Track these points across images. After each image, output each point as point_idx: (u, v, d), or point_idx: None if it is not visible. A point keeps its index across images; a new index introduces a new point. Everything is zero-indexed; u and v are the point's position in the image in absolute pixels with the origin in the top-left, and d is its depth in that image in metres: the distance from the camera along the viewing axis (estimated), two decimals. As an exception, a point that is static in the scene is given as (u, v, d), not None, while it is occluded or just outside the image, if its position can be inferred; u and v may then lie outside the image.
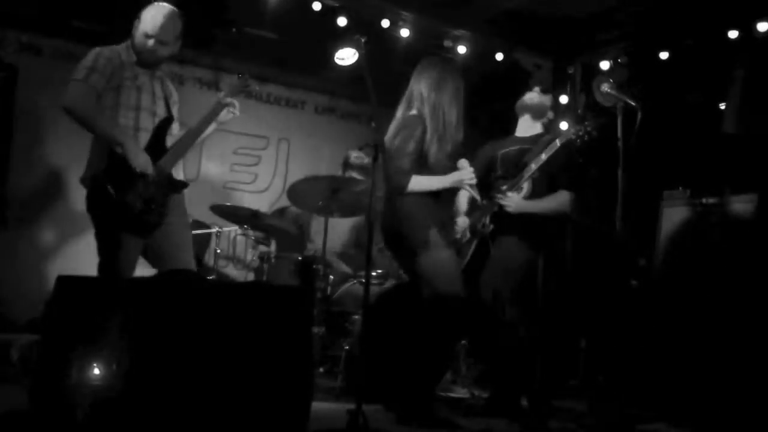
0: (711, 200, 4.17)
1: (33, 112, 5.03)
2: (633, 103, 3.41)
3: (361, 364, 3.59)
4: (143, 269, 3.32)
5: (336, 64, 3.81)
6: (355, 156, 5.11)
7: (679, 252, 4.25)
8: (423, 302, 3.33)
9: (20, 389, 2.77)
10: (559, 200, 3.80)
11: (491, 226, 3.76)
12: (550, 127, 4.15)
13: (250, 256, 5.72)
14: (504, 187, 3.75)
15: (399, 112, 3.53)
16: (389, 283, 4.41)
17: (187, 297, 2.38)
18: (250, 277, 5.64)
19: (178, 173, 3.35)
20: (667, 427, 3.60)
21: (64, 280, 2.30)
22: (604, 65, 5.42)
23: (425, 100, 3.43)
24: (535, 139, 3.89)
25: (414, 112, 3.44)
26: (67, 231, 5.17)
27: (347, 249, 5.27)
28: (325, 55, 4.13)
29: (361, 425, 2.72)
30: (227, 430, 2.27)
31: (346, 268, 4.95)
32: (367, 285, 2.94)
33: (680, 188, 4.37)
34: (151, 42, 3.24)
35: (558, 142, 3.66)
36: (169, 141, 3.34)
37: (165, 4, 3.31)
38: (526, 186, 3.76)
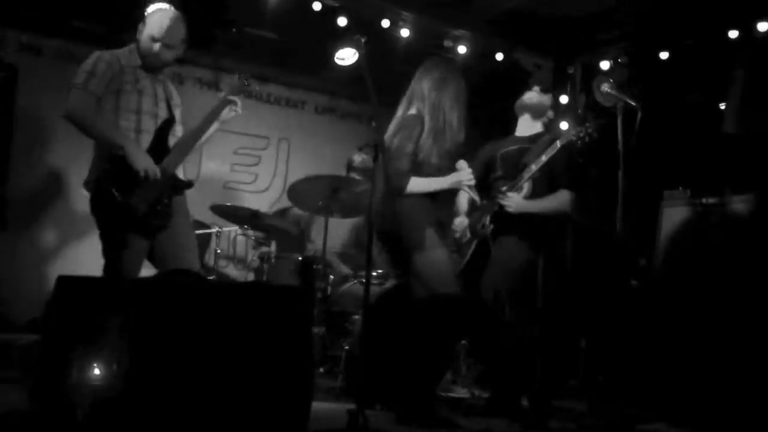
0: (711, 200, 4.17)
1: (33, 112, 5.03)
2: (633, 103, 3.41)
3: (361, 364, 3.59)
4: (146, 270, 3.32)
5: (336, 64, 3.81)
6: (359, 159, 5.11)
7: (680, 252, 4.24)
8: (414, 303, 3.34)
9: (20, 389, 2.77)
10: (559, 200, 3.80)
11: (491, 226, 3.76)
12: (551, 126, 4.15)
13: (251, 256, 5.72)
14: (504, 188, 3.75)
15: (399, 111, 3.53)
16: (389, 283, 4.41)
17: (188, 297, 2.38)
18: (251, 277, 5.65)
19: (181, 173, 3.36)
20: (667, 427, 3.60)
21: (64, 280, 2.30)
22: (604, 65, 5.42)
23: (426, 99, 3.43)
24: (534, 139, 3.89)
25: (414, 111, 3.44)
26: (67, 231, 5.17)
27: (347, 249, 5.28)
28: (325, 55, 4.13)
29: (361, 425, 2.72)
30: (227, 431, 2.27)
31: (346, 269, 4.96)
32: (367, 285, 2.94)
33: (680, 188, 4.37)
34: (157, 45, 3.24)
35: (558, 144, 3.65)
36: (172, 142, 3.34)
37: (169, 7, 3.32)
38: (526, 186, 3.76)
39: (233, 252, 5.83)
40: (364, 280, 3.13)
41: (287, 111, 6.32)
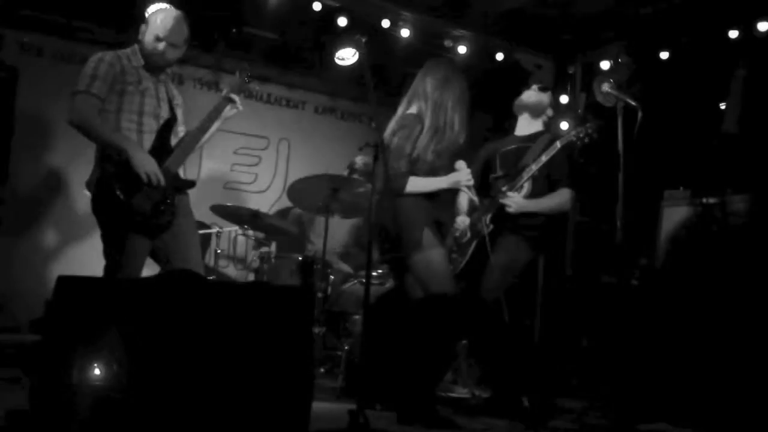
0: (711, 200, 4.17)
1: (33, 112, 5.03)
2: (633, 103, 3.41)
3: (361, 364, 3.59)
4: (150, 270, 3.32)
5: (336, 64, 3.81)
6: (361, 162, 5.11)
7: (680, 252, 4.25)
8: (412, 302, 3.34)
9: (20, 389, 2.77)
10: (559, 199, 3.80)
11: (491, 226, 3.75)
12: (551, 125, 4.14)
13: (251, 256, 5.72)
14: (504, 188, 3.75)
15: (400, 110, 3.52)
16: (390, 284, 4.41)
17: (188, 297, 2.38)
18: (251, 277, 5.64)
19: (182, 173, 3.36)
20: (667, 426, 3.59)
21: (64, 281, 2.30)
22: (605, 65, 5.42)
23: (428, 98, 3.42)
24: (534, 138, 3.89)
25: (414, 110, 3.44)
26: (67, 231, 5.17)
27: (348, 249, 5.27)
28: (325, 55, 4.13)
29: (361, 425, 2.72)
30: (228, 431, 2.27)
31: (346, 267, 4.96)
32: (367, 285, 2.94)
33: (680, 188, 4.37)
34: (161, 45, 3.25)
35: (558, 144, 3.66)
36: (174, 141, 3.35)
37: (172, 7, 3.33)
38: (526, 186, 3.76)
39: (233, 252, 5.83)
40: (364, 280, 3.12)
41: (287, 111, 6.31)
